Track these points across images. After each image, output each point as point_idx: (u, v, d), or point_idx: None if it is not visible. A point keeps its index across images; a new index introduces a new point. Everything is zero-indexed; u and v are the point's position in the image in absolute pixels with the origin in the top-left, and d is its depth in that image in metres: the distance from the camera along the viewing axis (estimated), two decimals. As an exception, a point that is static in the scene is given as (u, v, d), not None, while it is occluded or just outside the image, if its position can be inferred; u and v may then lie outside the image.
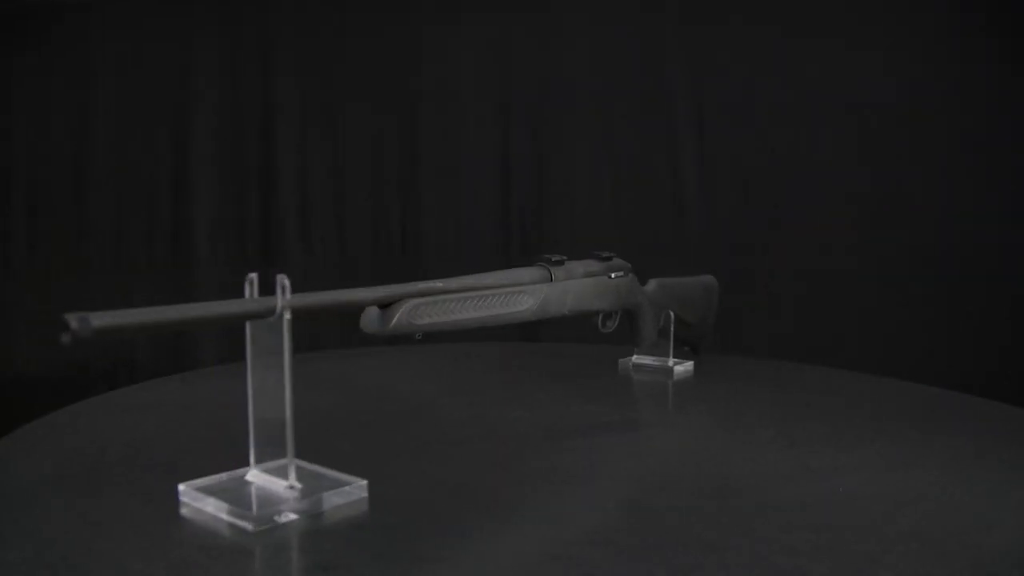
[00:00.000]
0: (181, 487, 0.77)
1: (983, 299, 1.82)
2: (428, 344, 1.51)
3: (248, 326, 0.77)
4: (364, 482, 0.78)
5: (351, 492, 0.77)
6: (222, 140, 1.98)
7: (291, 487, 0.75)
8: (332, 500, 0.75)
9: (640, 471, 0.87)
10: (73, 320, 0.61)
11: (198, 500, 0.75)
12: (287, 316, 0.75)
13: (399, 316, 0.88)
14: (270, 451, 0.79)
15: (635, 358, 1.37)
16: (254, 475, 0.78)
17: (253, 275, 0.75)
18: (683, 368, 1.33)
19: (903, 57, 1.85)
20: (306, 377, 1.27)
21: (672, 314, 1.34)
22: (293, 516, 0.73)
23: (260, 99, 1.99)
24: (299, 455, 0.77)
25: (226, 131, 1.98)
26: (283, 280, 0.74)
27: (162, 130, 1.94)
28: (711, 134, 1.95)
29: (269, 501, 0.74)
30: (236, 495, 0.75)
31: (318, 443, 0.87)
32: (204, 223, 1.96)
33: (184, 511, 0.75)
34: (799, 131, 1.90)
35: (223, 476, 0.79)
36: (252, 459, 0.79)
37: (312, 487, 0.76)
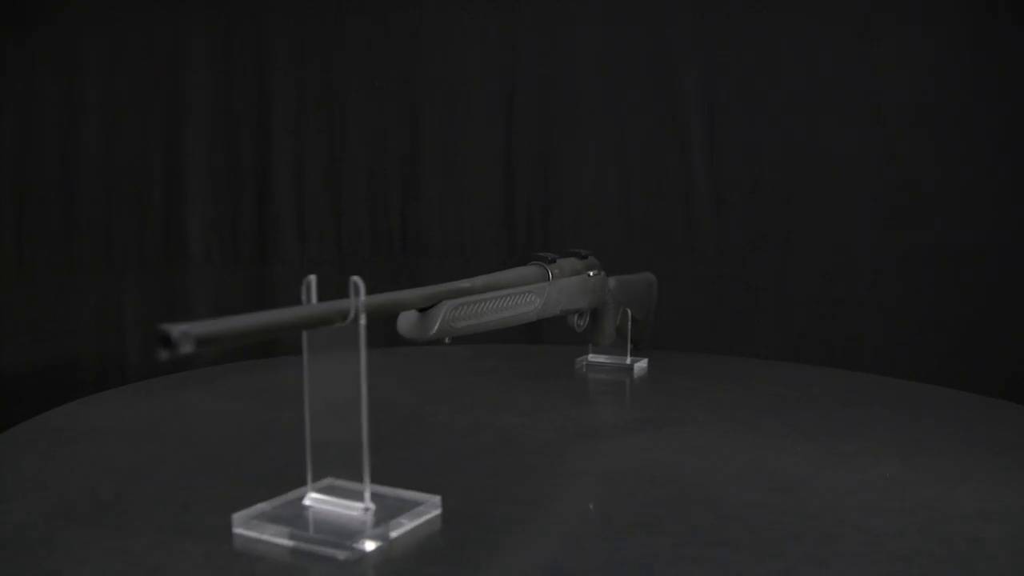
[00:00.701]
0: (235, 516, 0.68)
1: (1008, 299, 1.77)
2: (372, 348, 1.44)
3: (305, 333, 0.69)
4: (437, 498, 0.72)
5: (424, 511, 0.71)
6: (215, 134, 1.88)
7: (367, 509, 0.69)
8: (407, 521, 0.69)
9: (693, 469, 0.85)
10: (174, 331, 0.53)
11: (257, 529, 0.67)
12: (363, 320, 0.68)
13: (441, 319, 0.82)
14: (319, 470, 0.72)
15: (591, 357, 1.36)
16: (313, 498, 0.71)
17: (311, 277, 0.68)
18: (641, 366, 1.33)
19: (921, 46, 1.79)
20: (276, 389, 1.18)
21: (629, 312, 1.34)
22: (375, 542, 0.66)
23: (254, 91, 1.90)
24: (332, 473, 0.71)
25: (219, 125, 1.89)
26: (357, 282, 0.67)
27: (153, 124, 1.86)
28: (722, 128, 1.89)
29: (346, 527, 0.67)
30: (304, 522, 0.68)
31: (342, 459, 0.79)
32: (197, 220, 1.88)
33: (241, 544, 0.66)
34: (813, 124, 1.84)
35: (277, 501, 0.71)
36: (309, 480, 0.71)
37: (385, 508, 0.70)
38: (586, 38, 1.93)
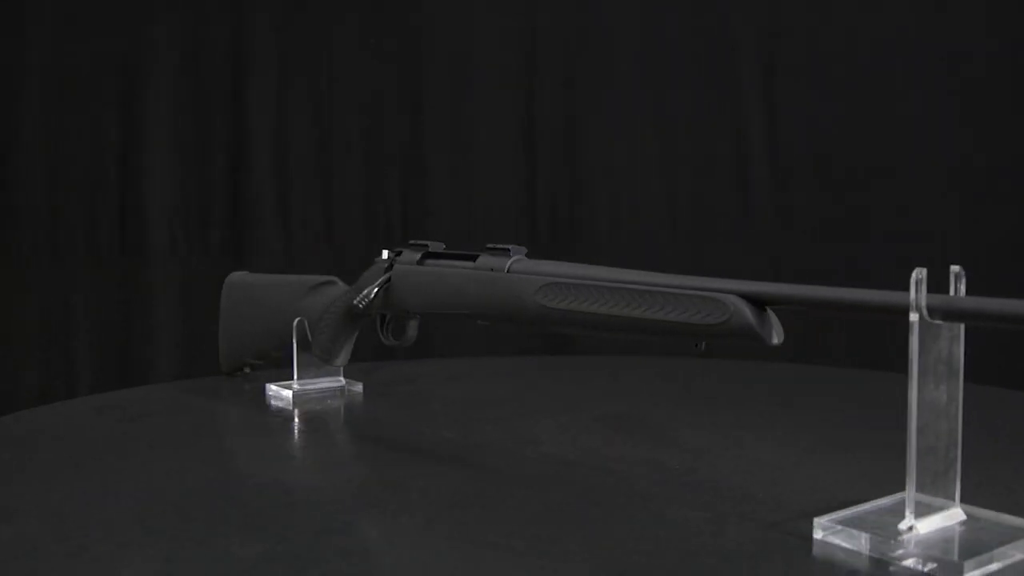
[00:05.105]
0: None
1: None
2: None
3: (918, 330, 0.61)
4: None
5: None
6: (181, 102, 1.72)
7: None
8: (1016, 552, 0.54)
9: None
10: None
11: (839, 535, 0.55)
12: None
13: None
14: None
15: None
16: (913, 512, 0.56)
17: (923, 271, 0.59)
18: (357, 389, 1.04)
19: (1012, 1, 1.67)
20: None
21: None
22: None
23: (228, 51, 1.72)
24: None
25: (185, 91, 1.72)
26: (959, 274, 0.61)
27: (107, 91, 1.70)
28: (782, 98, 1.74)
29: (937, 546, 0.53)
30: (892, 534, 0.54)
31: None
32: (159, 204, 1.71)
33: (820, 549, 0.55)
34: (887, 94, 1.70)
35: (862, 508, 0.58)
36: (909, 496, 0.56)
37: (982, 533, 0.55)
38: None
